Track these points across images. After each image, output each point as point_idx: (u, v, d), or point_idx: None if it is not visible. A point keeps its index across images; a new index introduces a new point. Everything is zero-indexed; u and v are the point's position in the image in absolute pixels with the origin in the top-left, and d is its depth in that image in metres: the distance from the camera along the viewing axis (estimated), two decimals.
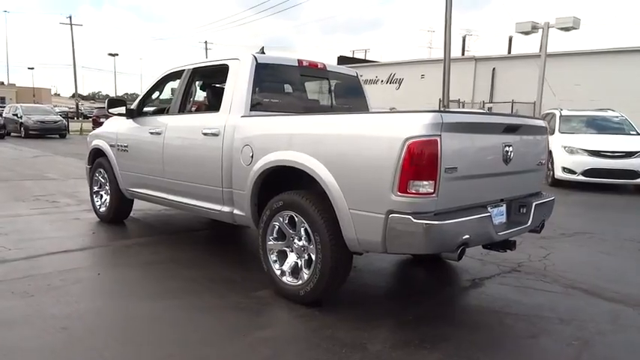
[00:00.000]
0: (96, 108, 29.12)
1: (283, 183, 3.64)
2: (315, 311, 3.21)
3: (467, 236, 2.82)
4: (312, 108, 4.38)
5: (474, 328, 3.07)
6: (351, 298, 3.45)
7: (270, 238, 3.52)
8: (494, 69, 22.78)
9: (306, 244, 3.31)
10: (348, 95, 4.85)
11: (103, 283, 3.71)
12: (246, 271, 3.97)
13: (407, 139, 2.68)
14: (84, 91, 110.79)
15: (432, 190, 2.69)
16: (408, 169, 2.67)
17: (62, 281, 3.64)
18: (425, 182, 2.68)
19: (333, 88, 4.69)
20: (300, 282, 3.30)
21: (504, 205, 3.32)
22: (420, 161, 2.67)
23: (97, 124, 24.47)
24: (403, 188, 2.69)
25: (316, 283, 3.16)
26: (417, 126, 2.69)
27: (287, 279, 3.40)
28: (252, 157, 3.59)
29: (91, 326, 2.92)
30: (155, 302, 3.31)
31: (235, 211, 3.85)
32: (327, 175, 3.03)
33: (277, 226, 3.49)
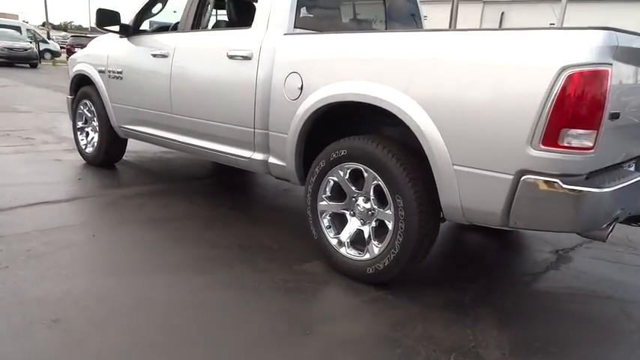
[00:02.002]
0: (70, 36, 26.82)
1: (339, 127, 2.79)
2: (387, 294, 2.45)
3: (622, 208, 2.06)
4: (366, 30, 3.44)
5: (597, 323, 2.37)
6: (417, 275, 2.69)
7: (323, 196, 2.70)
8: (502, 14, 21.50)
9: (376, 207, 2.50)
10: (403, 20, 3.90)
11: (101, 249, 2.86)
12: (283, 236, 3.17)
13: (564, 69, 1.82)
14: (55, 20, 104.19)
15: (591, 144, 1.88)
16: (563, 113, 1.84)
17: (46, 246, 2.78)
18: (583, 131, 1.86)
19: (387, 8, 3.73)
20: (368, 256, 2.51)
21: (634, 165, 2.53)
22: (580, 101, 1.83)
23: (72, 54, 22.61)
24: (550, 139, 1.87)
25: (394, 259, 2.38)
26: (581, 49, 1.83)
27: (347, 251, 2.61)
28: (300, 88, 2.69)
29: (93, 317, 2.11)
30: (175, 278, 2.50)
31: (271, 160, 2.99)
32: (424, 118, 2.18)
33: (333, 182, 2.66)
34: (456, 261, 3.10)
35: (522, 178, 1.95)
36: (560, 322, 2.35)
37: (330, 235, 2.69)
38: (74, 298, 2.24)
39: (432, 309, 2.35)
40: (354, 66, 2.44)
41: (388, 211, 2.41)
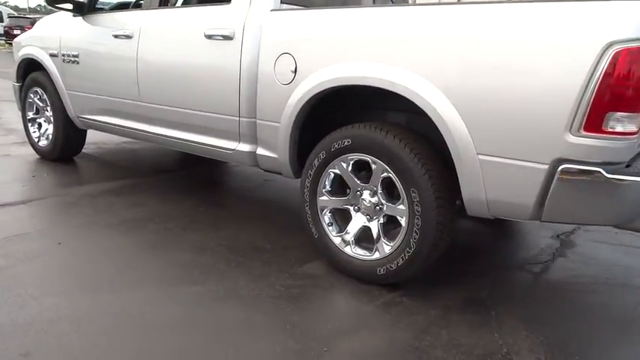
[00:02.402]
0: (8, 16, 24.91)
1: (331, 115, 2.53)
2: (400, 297, 2.24)
3: None
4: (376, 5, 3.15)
5: (624, 318, 2.24)
6: (424, 271, 2.50)
7: (324, 191, 2.44)
8: None
9: (384, 201, 2.27)
10: None
11: (69, 260, 2.50)
12: (274, 234, 2.90)
13: (610, 45, 1.62)
14: None
15: (636, 129, 1.70)
16: (609, 94, 1.64)
17: (3, 259, 2.40)
18: (628, 115, 1.67)
19: None
20: (378, 255, 2.29)
21: None
22: (628, 81, 1.64)
23: (11, 36, 20.99)
24: (594, 124, 1.67)
25: (409, 258, 2.16)
26: (629, 23, 1.63)
27: (353, 250, 2.38)
28: (294, 71, 2.40)
29: (69, 348, 1.79)
30: (159, 292, 2.19)
31: (260, 152, 2.69)
32: (445, 104, 1.94)
33: (334, 175, 2.41)
34: (458, 253, 2.92)
35: (559, 167, 1.75)
36: (587, 317, 2.21)
37: (332, 233, 2.45)
38: (44, 324, 1.90)
39: (451, 311, 2.16)
40: (361, 45, 2.16)
41: (401, 206, 2.18)
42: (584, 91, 1.66)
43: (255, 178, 4.10)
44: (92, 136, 4.50)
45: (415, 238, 2.13)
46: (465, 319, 2.10)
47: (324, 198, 2.44)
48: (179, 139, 3.07)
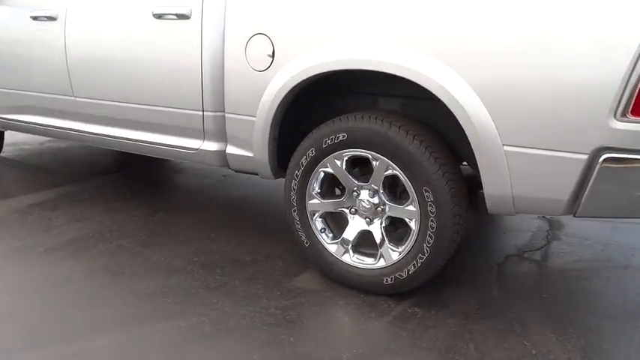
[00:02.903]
0: None
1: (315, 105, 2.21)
2: (411, 307, 1.99)
3: None
4: None
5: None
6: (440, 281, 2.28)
7: (314, 193, 2.13)
8: None
9: (387, 201, 1.99)
10: None
11: (3, 301, 2.02)
12: (251, 242, 2.55)
13: None
14: None
15: None
16: None
17: None
18: None
19: None
20: (383, 263, 2.02)
21: None
22: None
23: None
24: None
25: (422, 265, 1.92)
26: None
27: (353, 259, 2.09)
28: (272, 55, 2.03)
29: None
30: (127, 336, 1.80)
31: (231, 150, 2.31)
32: (465, 90, 1.67)
33: (324, 175, 2.09)
34: None
35: (602, 157, 1.55)
36: (605, 307, 2.08)
37: (326, 240, 2.14)
38: None
39: (469, 318, 1.94)
40: (359, 22, 1.83)
41: (410, 207, 1.91)
42: (633, 68, 1.45)
43: (211, 174, 3.68)
44: (10, 136, 3.86)
45: (429, 243, 1.87)
46: (487, 327, 1.89)
47: (315, 201, 2.13)
48: (125, 138, 2.61)
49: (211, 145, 2.36)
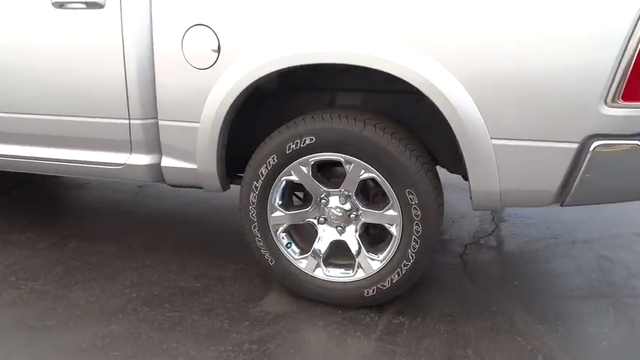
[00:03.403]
0: None
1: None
2: (398, 317, 1.85)
3: None
4: None
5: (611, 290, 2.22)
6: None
7: (277, 205, 1.88)
8: None
9: (362, 206, 1.82)
10: None
11: None
12: (194, 264, 2.22)
13: None
14: None
15: None
16: None
17: None
18: None
19: None
20: (362, 274, 1.84)
21: None
22: None
23: None
24: (635, 90, 1.45)
25: (407, 272, 1.77)
26: None
27: (327, 273, 1.89)
28: (217, 50, 1.72)
29: None
30: None
31: (167, 163, 1.96)
32: (450, 82, 1.52)
33: (286, 183, 1.85)
34: None
35: (593, 144, 1.51)
36: (575, 287, 2.09)
37: (294, 256, 1.91)
38: None
39: (457, 321, 1.84)
40: (327, 9, 1.59)
41: (391, 212, 1.75)
42: (623, 52, 1.41)
43: (122, 186, 3.21)
44: None
45: (415, 248, 1.73)
46: (476, 328, 1.81)
47: (278, 214, 1.88)
48: (26, 157, 2.12)
49: (141, 159, 1.99)
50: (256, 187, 1.83)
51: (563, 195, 1.62)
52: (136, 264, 2.23)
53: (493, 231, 2.64)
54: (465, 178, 2.04)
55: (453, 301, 1.97)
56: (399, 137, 1.67)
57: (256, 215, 1.87)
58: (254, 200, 1.86)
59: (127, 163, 2.00)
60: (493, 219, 2.80)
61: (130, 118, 1.91)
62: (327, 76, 1.89)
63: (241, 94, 1.73)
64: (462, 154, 1.62)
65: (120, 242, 2.44)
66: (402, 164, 1.66)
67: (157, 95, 1.85)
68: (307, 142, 1.72)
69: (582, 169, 1.54)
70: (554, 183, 1.60)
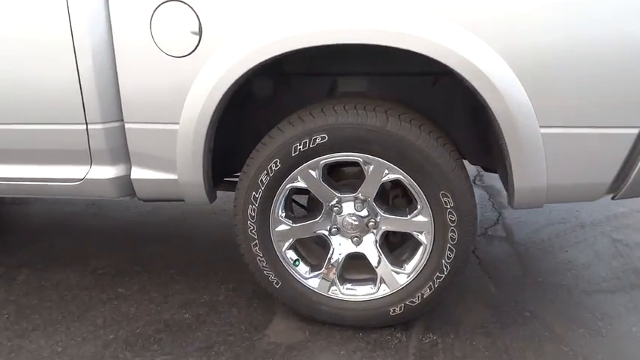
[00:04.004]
0: None
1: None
2: (426, 334, 1.62)
3: None
4: None
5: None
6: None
7: (281, 217, 1.57)
8: None
9: (383, 212, 1.54)
10: None
11: None
12: (177, 288, 1.89)
13: None
14: None
15: None
16: None
17: None
18: None
19: None
20: (387, 290, 1.59)
21: None
22: None
23: None
24: None
25: (440, 286, 1.53)
26: None
27: (344, 291, 1.62)
28: (198, 32, 1.37)
29: None
30: None
31: (138, 175, 1.60)
32: (495, 63, 1.27)
33: (290, 190, 1.55)
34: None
35: None
36: (602, 280, 1.93)
37: (305, 274, 1.62)
38: None
39: (493, 333, 1.63)
40: None
41: (420, 218, 1.49)
42: None
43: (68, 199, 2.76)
44: None
45: (449, 258, 1.49)
46: (515, 338, 1.60)
47: (283, 228, 1.57)
48: None
49: (104, 171, 1.61)
50: (255, 198, 1.52)
51: (616, 188, 1.43)
52: (107, 295, 1.86)
53: (498, 219, 2.46)
54: (490, 169, 1.84)
55: (482, 309, 1.76)
56: (428, 130, 1.41)
57: (257, 231, 1.56)
58: (253, 214, 1.54)
59: (87, 177, 1.62)
60: (493, 205, 2.62)
61: (87, 123, 1.53)
62: (326, 58, 1.58)
63: (232, 86, 1.40)
64: (501, 145, 1.38)
65: (82, 268, 2.05)
66: (435, 162, 1.40)
67: (120, 92, 1.48)
68: (318, 141, 1.42)
69: None
70: (610, 175, 1.39)
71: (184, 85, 1.43)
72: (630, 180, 1.39)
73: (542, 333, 1.63)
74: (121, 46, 1.43)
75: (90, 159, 1.60)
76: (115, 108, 1.51)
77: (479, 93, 1.31)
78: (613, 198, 1.47)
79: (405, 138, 1.39)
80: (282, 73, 1.67)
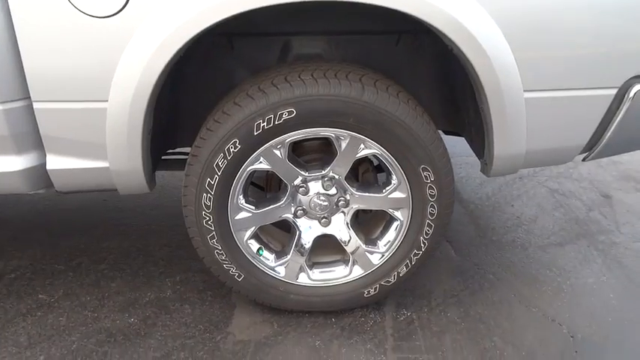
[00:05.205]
0: None
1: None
2: (399, 311, 1.55)
3: None
4: None
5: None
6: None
7: (242, 204, 1.37)
8: None
9: (355, 190, 1.40)
10: None
11: None
12: (119, 288, 1.63)
13: None
14: None
15: None
16: None
17: None
18: None
19: None
20: (360, 272, 1.48)
21: None
22: None
23: None
24: None
25: (417, 263, 1.45)
26: None
27: (313, 277, 1.48)
28: None
29: None
30: None
31: (55, 165, 1.29)
32: (485, 25, 1.14)
33: (251, 173, 1.34)
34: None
35: (633, 88, 1.27)
36: (561, 237, 1.99)
37: (271, 263, 1.45)
38: None
39: (464, 301, 1.61)
40: None
41: (397, 194, 1.37)
42: None
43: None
44: None
45: (427, 234, 1.40)
46: (488, 305, 1.59)
47: (244, 215, 1.38)
48: None
49: (10, 162, 1.28)
50: (211, 185, 1.29)
51: (588, 148, 1.40)
52: (26, 305, 1.56)
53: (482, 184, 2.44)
54: (453, 133, 1.75)
55: (448, 277, 1.73)
56: (406, 98, 1.26)
57: (214, 222, 1.35)
58: (208, 203, 1.32)
59: None
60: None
61: None
62: (277, 16, 1.35)
63: (178, 52, 1.13)
64: (482, 111, 1.28)
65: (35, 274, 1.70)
66: (415, 134, 1.26)
67: (23, 63, 1.15)
68: (285, 116, 1.22)
69: (619, 117, 1.31)
70: (585, 137, 1.36)
71: (111, 53, 1.13)
72: (604, 141, 1.37)
73: (510, 296, 1.64)
74: (18, 5, 1.09)
75: None
76: (16, 84, 1.18)
77: (465, 56, 1.18)
78: (584, 159, 1.45)
79: (383, 109, 1.23)
80: (221, 33, 1.41)
